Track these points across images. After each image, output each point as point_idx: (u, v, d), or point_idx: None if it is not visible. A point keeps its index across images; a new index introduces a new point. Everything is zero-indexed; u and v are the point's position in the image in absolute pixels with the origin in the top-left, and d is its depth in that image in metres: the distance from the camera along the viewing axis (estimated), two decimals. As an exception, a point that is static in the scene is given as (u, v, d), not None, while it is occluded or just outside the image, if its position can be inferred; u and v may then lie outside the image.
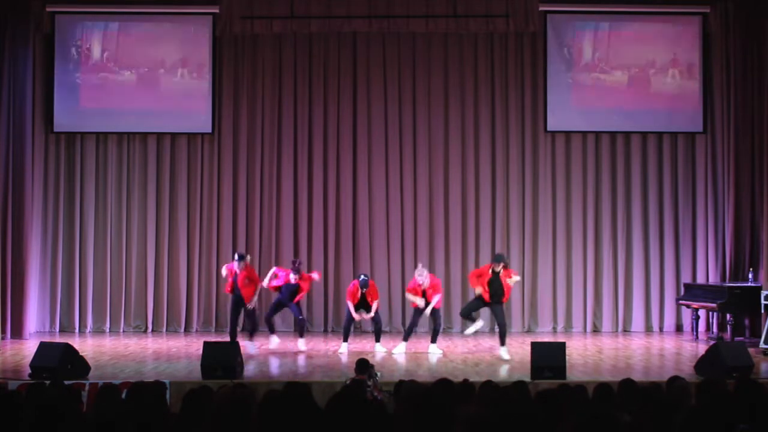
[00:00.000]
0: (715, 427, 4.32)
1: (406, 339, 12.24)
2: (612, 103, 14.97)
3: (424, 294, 11.92)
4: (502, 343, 11.65)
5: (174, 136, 15.09)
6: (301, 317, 12.54)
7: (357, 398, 4.31)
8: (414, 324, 12.25)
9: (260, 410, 4.38)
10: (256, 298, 12.28)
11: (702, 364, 10.18)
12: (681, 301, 14.16)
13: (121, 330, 14.78)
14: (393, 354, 11.99)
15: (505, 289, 11.69)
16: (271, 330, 12.65)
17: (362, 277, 12.25)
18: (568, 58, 14.96)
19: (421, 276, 11.91)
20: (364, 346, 12.56)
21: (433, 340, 12.15)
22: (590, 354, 12.27)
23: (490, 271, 11.69)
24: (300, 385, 5.11)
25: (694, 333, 13.91)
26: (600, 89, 14.98)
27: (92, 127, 14.96)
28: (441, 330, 12.47)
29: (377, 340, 12.39)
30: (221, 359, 9.98)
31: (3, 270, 13.75)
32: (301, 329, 12.57)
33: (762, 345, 12.17)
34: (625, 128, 15.09)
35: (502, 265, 11.71)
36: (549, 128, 15.03)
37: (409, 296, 12.14)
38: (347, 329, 12.35)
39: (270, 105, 15.09)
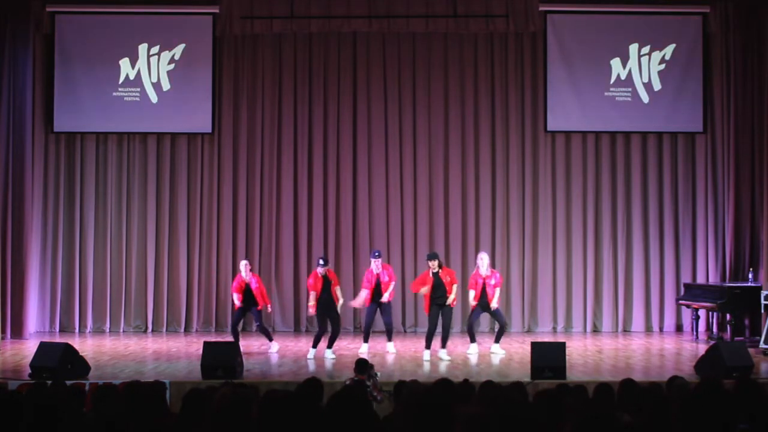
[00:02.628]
0: (714, 427, 4.32)
1: (474, 340, 12.25)
2: (612, 103, 14.97)
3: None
4: (432, 343, 11.69)
5: (174, 136, 15.09)
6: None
7: (357, 398, 4.31)
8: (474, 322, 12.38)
9: (260, 410, 4.37)
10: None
11: (702, 364, 10.19)
12: (681, 301, 14.16)
13: (121, 330, 14.78)
14: (468, 354, 12.03)
15: (448, 289, 11.59)
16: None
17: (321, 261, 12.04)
18: (568, 58, 14.95)
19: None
20: (375, 346, 12.43)
21: (445, 344, 11.98)
22: (590, 354, 12.27)
23: (431, 273, 11.60)
24: (309, 384, 5.11)
25: (694, 333, 13.91)
26: (600, 89, 14.97)
27: (92, 127, 14.97)
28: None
29: (389, 339, 12.33)
30: (221, 359, 9.98)
31: (3, 270, 13.76)
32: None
33: (762, 345, 12.17)
34: (625, 128, 15.09)
35: (437, 262, 11.64)
36: (549, 128, 15.04)
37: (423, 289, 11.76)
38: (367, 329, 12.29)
39: (270, 105, 15.10)
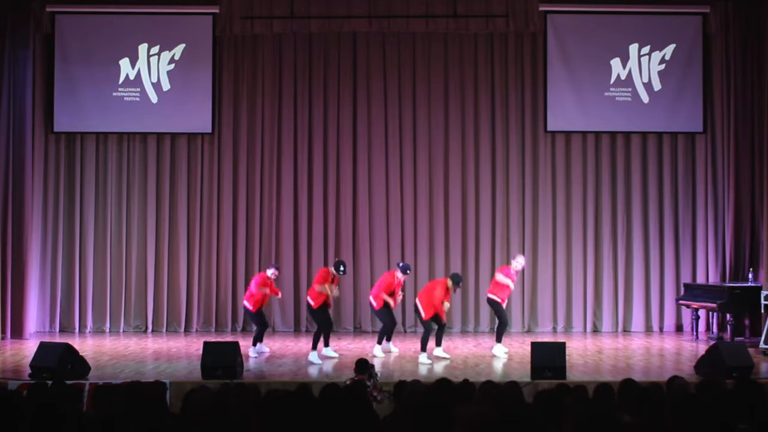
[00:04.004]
0: (714, 427, 4.32)
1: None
2: (612, 103, 14.97)
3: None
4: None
5: (174, 136, 15.09)
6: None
7: (357, 398, 4.31)
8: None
9: (261, 410, 4.38)
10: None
11: (702, 364, 10.19)
12: (681, 301, 14.16)
13: (121, 330, 14.78)
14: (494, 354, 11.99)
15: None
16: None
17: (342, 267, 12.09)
18: (568, 58, 14.95)
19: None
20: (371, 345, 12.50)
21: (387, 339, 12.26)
22: (590, 354, 12.27)
23: (453, 292, 11.91)
24: (303, 386, 5.11)
25: (694, 333, 13.91)
26: (600, 89, 14.97)
27: (92, 127, 14.97)
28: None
29: (388, 339, 12.28)
30: (221, 359, 9.97)
31: (3, 270, 13.76)
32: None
33: (762, 345, 12.17)
34: (625, 128, 15.09)
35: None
36: (549, 128, 15.03)
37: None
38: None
39: (270, 105, 15.09)
